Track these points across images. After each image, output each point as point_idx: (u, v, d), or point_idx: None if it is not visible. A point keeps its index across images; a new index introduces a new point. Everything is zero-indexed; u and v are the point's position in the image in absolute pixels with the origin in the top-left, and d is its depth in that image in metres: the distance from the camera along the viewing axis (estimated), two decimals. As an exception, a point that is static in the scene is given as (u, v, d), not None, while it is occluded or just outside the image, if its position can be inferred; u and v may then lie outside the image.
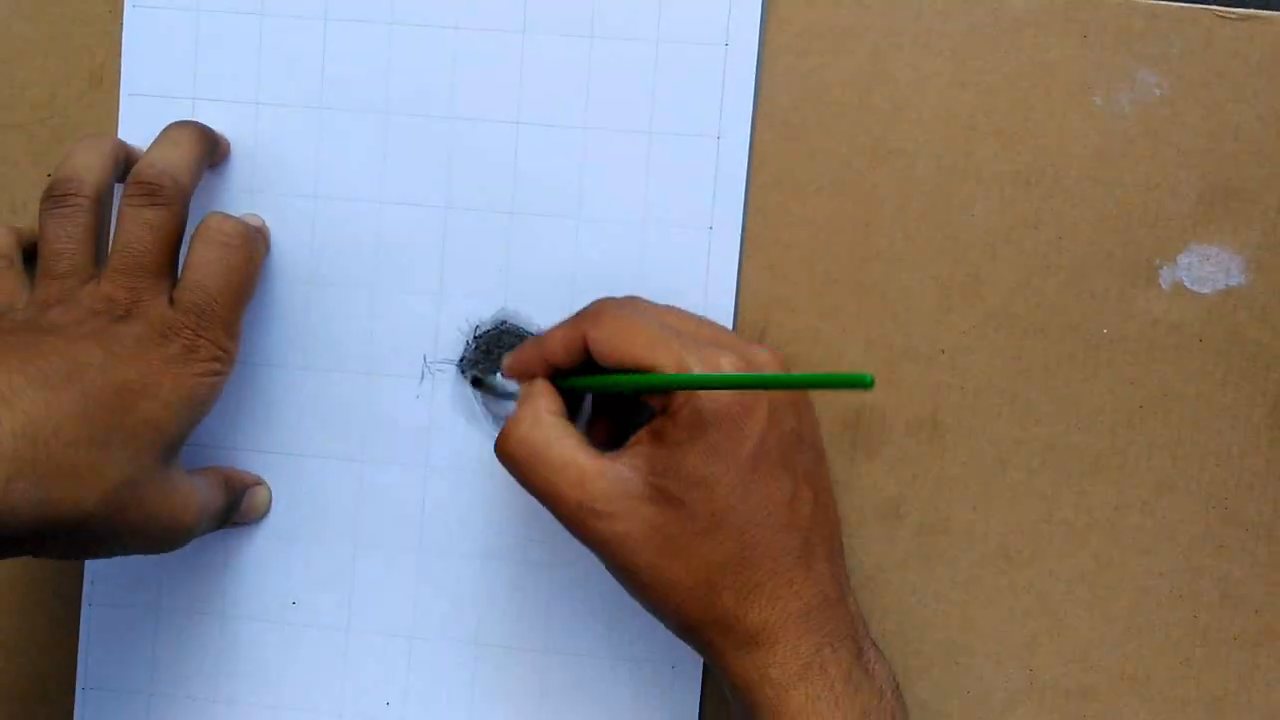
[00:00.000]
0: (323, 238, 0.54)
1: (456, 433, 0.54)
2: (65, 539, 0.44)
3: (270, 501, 0.55)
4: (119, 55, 0.54)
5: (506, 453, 0.48)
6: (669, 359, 0.45)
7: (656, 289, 0.52)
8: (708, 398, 0.45)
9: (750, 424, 0.45)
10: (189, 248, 0.49)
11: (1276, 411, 0.51)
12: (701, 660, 0.53)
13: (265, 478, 0.55)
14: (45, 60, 0.55)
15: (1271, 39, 0.50)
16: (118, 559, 0.54)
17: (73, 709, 0.55)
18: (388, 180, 0.53)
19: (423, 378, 0.54)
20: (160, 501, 0.47)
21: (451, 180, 0.53)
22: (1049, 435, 0.52)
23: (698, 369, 0.45)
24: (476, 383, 0.53)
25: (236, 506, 0.53)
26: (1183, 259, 0.51)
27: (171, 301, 0.48)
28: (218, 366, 0.48)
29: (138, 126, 0.54)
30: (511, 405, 0.53)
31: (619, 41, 0.52)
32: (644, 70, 0.52)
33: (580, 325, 0.48)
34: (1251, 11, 0.50)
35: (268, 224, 0.54)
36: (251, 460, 0.54)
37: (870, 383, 0.37)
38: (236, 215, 0.51)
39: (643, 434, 0.47)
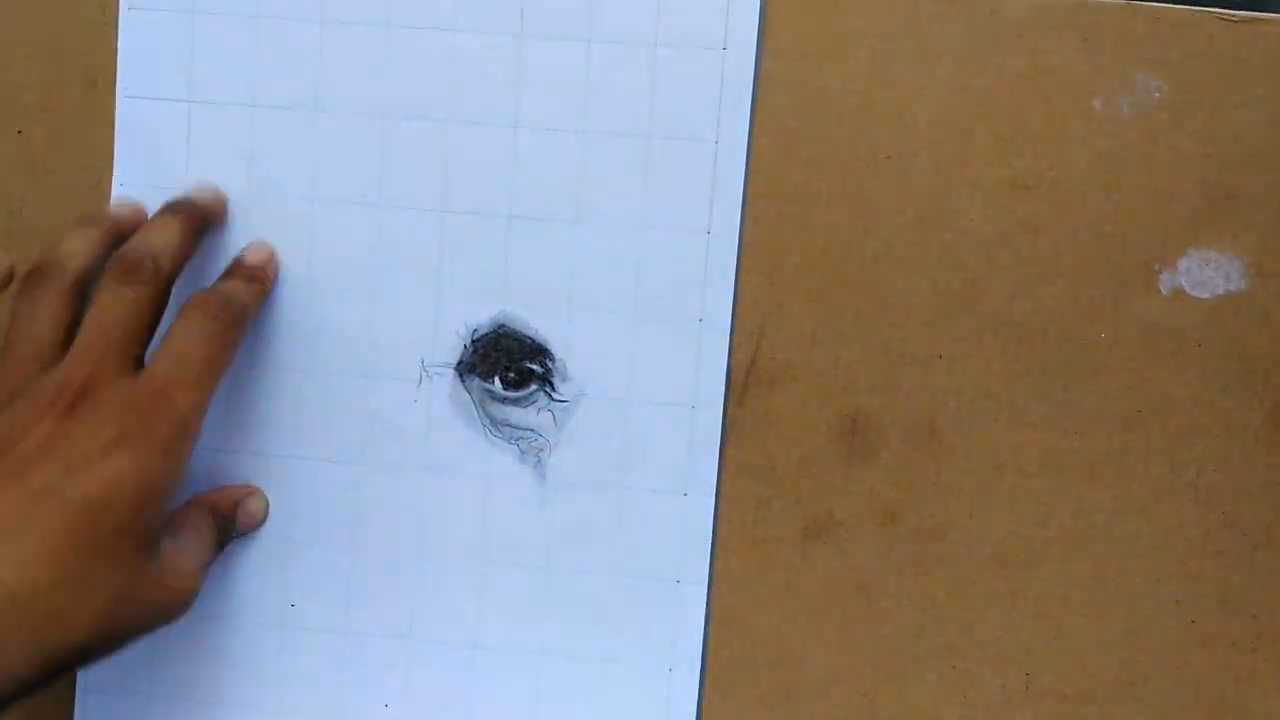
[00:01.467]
0: (320, 241, 0.54)
1: (454, 436, 0.54)
2: (74, 667, 0.44)
3: (267, 507, 0.54)
4: (114, 58, 0.54)
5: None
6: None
7: (653, 294, 0.52)
8: None
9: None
10: (170, 325, 0.48)
11: (1276, 417, 0.51)
12: (700, 663, 0.53)
13: (263, 481, 0.54)
14: (40, 63, 0.54)
15: (1273, 42, 0.50)
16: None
17: (72, 711, 0.56)
18: (385, 183, 0.53)
19: (420, 381, 0.54)
20: (156, 592, 0.46)
21: (449, 183, 0.53)
22: (1046, 440, 0.52)
23: None
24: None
25: (232, 525, 0.53)
26: (1182, 264, 0.51)
27: (137, 376, 0.46)
28: (176, 444, 0.46)
29: (133, 129, 0.54)
30: (508, 410, 0.53)
31: (617, 45, 0.52)
32: (642, 74, 0.52)
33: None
34: (1252, 15, 0.50)
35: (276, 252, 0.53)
36: (249, 463, 0.54)
37: None
38: (260, 244, 0.52)
39: None
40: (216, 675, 0.55)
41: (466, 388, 0.53)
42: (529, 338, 0.53)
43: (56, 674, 0.44)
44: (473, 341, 0.53)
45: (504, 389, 0.53)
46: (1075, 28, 0.50)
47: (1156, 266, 0.51)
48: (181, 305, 0.48)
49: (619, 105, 0.52)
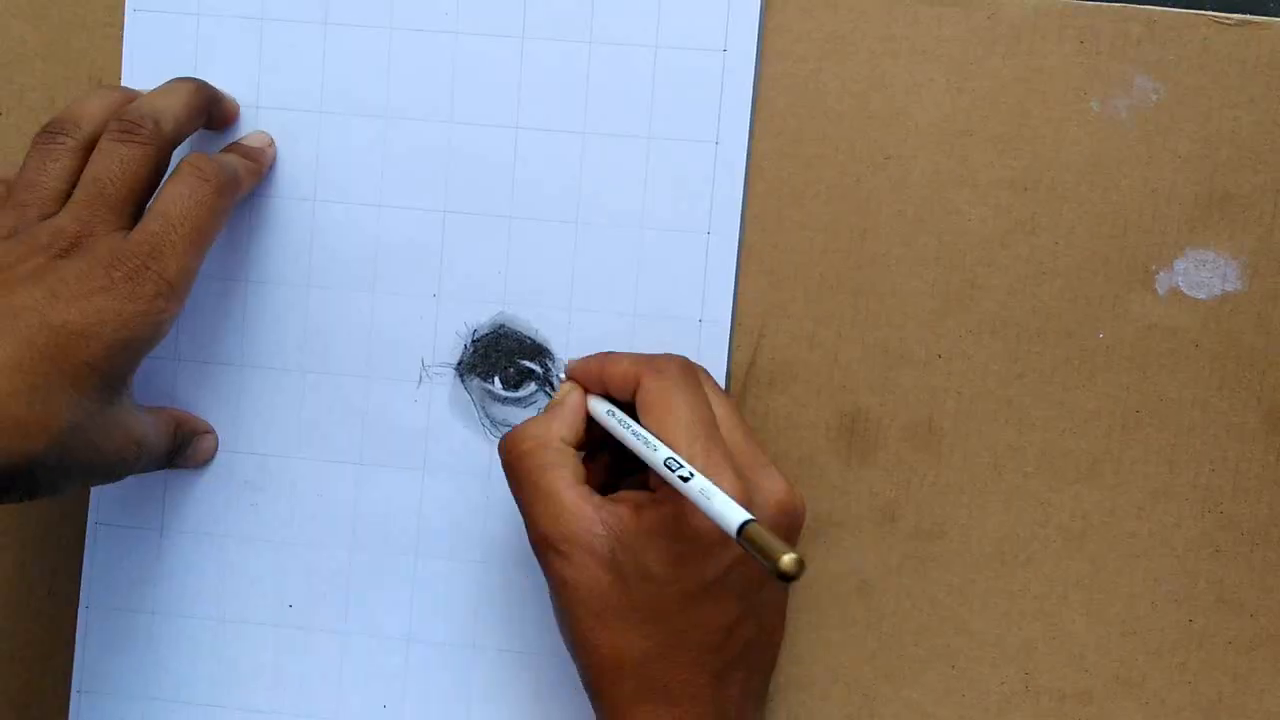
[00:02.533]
0: (322, 241, 0.54)
1: (454, 436, 0.54)
2: (15, 488, 0.45)
3: (216, 450, 0.55)
4: (119, 59, 0.54)
5: (507, 456, 0.48)
6: (680, 450, 0.45)
7: (654, 294, 0.52)
8: (693, 510, 0.44)
9: (723, 553, 0.45)
10: (162, 185, 0.49)
11: (1272, 417, 0.51)
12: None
13: (263, 480, 0.55)
14: (45, 64, 0.55)
15: (1268, 45, 0.51)
16: (112, 560, 0.55)
17: (68, 711, 0.55)
18: (387, 184, 0.54)
19: (420, 381, 0.54)
20: (105, 440, 0.47)
21: (450, 184, 0.53)
22: (1045, 440, 0.52)
23: (694, 479, 0.44)
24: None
25: (184, 450, 0.53)
26: (1179, 264, 0.51)
27: (128, 234, 0.47)
28: (161, 304, 0.46)
29: (137, 130, 0.54)
30: (508, 410, 0.53)
31: (618, 47, 0.52)
32: (642, 76, 0.52)
33: (642, 369, 0.48)
34: (1248, 17, 0.51)
35: (275, 143, 0.54)
36: (249, 462, 0.55)
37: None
38: (259, 133, 0.53)
39: (629, 496, 0.47)
40: (214, 676, 0.55)
41: (466, 388, 0.54)
42: (529, 338, 0.53)
43: (5, 486, 0.44)
44: (473, 341, 0.54)
45: (504, 389, 0.53)
46: (1073, 30, 0.51)
47: (1154, 267, 0.51)
48: (175, 166, 0.49)
49: (620, 106, 0.52)
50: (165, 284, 0.46)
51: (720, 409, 0.48)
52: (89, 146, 0.48)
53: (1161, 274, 0.51)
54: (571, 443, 0.48)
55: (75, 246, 0.46)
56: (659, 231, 0.53)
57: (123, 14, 0.54)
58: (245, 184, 0.51)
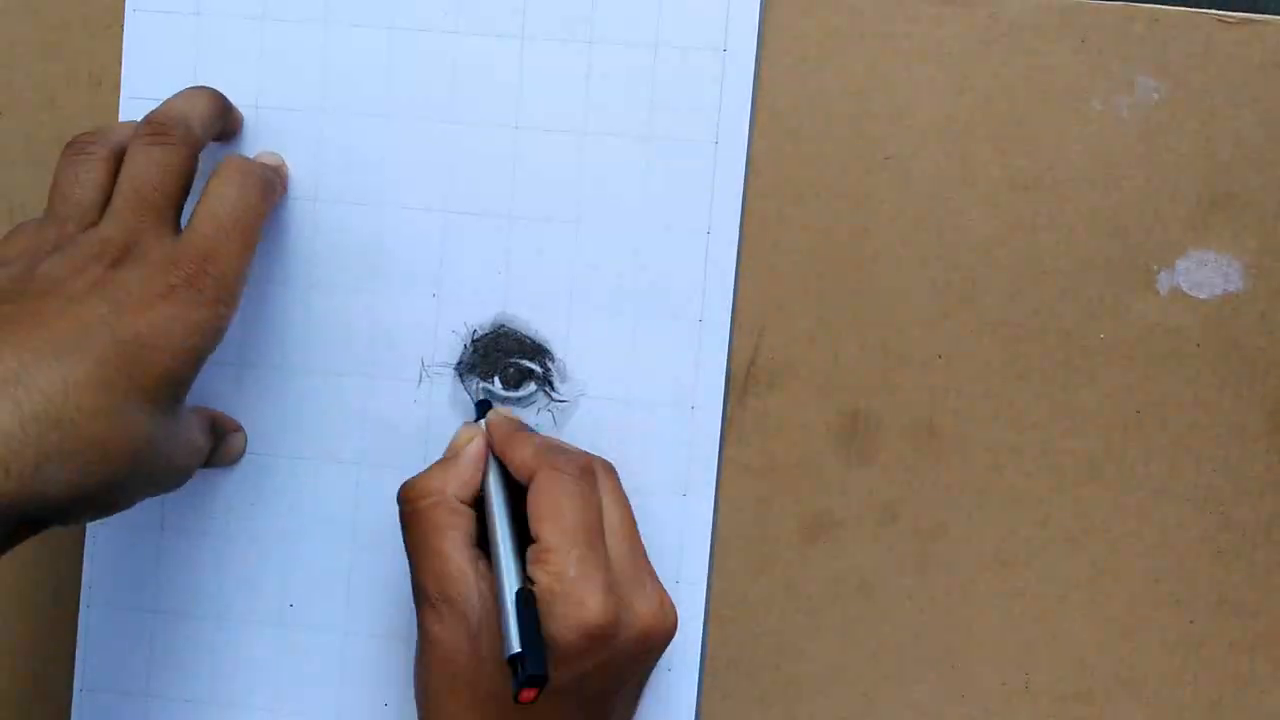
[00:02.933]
0: (322, 241, 0.54)
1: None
2: (96, 506, 0.44)
3: (245, 448, 0.55)
4: (119, 59, 0.54)
5: (404, 508, 0.49)
6: (555, 555, 0.45)
7: (653, 293, 0.52)
8: (554, 618, 0.44)
9: (578, 665, 0.45)
10: (204, 186, 0.48)
11: (1274, 417, 0.51)
12: (699, 663, 0.53)
13: (263, 480, 0.55)
14: (45, 63, 0.55)
15: (1271, 44, 0.50)
16: (113, 558, 0.55)
17: (70, 710, 0.56)
18: (387, 184, 0.54)
19: (420, 381, 0.54)
20: (174, 450, 0.46)
21: (450, 184, 0.53)
22: (1045, 440, 0.52)
23: (564, 585, 0.45)
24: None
25: (218, 449, 0.53)
26: (1181, 264, 0.51)
27: (178, 237, 0.46)
28: (222, 309, 0.46)
29: (137, 129, 0.54)
30: (509, 409, 0.53)
31: (618, 46, 0.52)
32: (642, 75, 0.52)
33: (541, 464, 0.48)
34: (1251, 16, 0.50)
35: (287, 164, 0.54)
36: (249, 462, 0.55)
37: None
38: (270, 153, 0.53)
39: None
40: (215, 675, 0.55)
41: (466, 388, 0.54)
42: (529, 338, 0.53)
43: (81, 511, 0.43)
44: (473, 341, 0.54)
45: (504, 389, 0.53)
46: (1074, 29, 0.51)
47: (1155, 267, 0.51)
48: (215, 167, 0.48)
49: (620, 106, 0.52)
50: (223, 286, 0.46)
51: (613, 516, 0.49)
52: (118, 156, 0.48)
53: (1163, 274, 0.51)
54: (467, 499, 0.49)
55: (126, 254, 0.45)
56: (659, 231, 0.52)
57: (122, 13, 0.54)
58: (277, 187, 0.51)
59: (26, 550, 0.55)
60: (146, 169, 0.46)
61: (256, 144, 0.54)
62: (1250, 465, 0.51)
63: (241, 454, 0.55)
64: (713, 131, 0.52)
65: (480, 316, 0.54)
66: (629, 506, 0.50)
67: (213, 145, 0.53)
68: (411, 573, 0.48)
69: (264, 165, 0.50)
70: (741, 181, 0.52)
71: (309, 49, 0.53)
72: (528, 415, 0.53)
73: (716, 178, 0.52)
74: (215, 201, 0.47)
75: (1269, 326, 0.51)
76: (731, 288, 0.52)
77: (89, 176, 0.47)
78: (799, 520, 0.53)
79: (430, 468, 0.50)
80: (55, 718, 0.56)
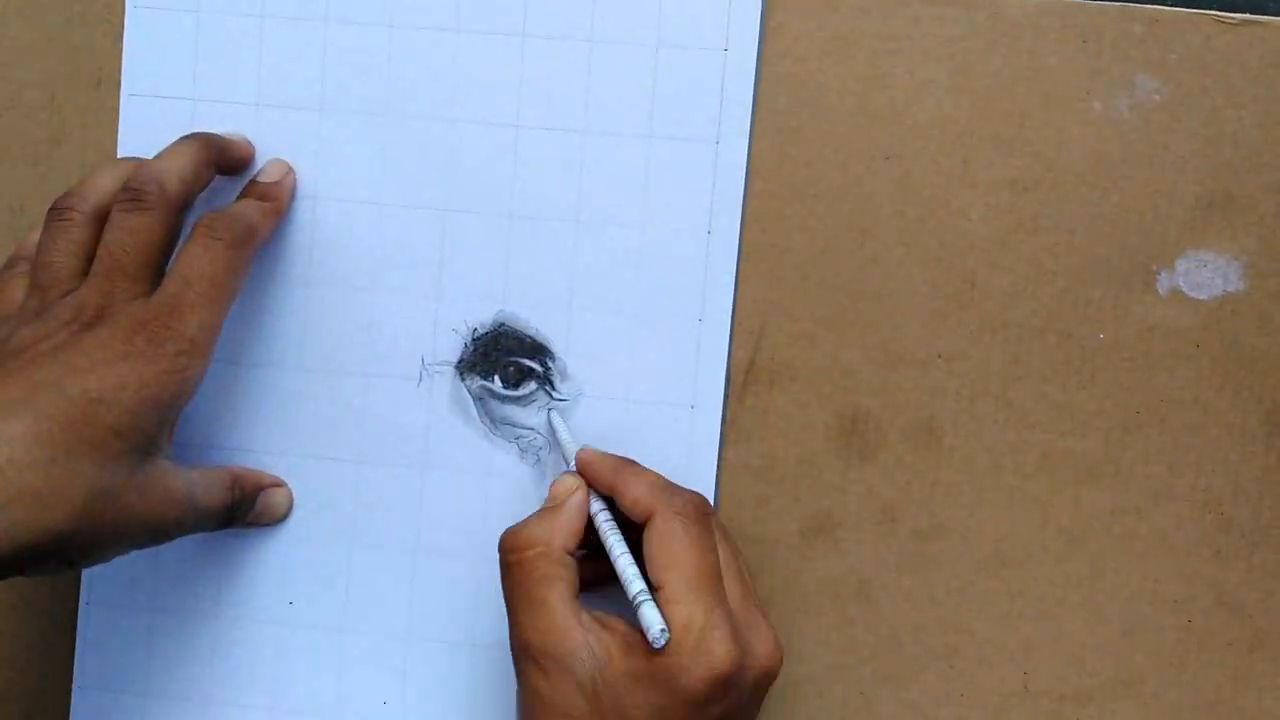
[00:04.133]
0: (322, 239, 0.54)
1: (454, 434, 0.54)
2: (48, 558, 0.44)
3: (291, 504, 0.55)
4: (119, 56, 0.54)
5: (508, 557, 0.48)
6: (681, 602, 0.45)
7: (654, 293, 0.52)
8: (682, 672, 0.45)
9: (707, 713, 0.45)
10: (182, 244, 0.49)
11: (1273, 418, 0.51)
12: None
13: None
14: (45, 61, 0.55)
15: (1271, 44, 0.50)
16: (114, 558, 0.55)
17: (68, 708, 0.56)
18: (387, 182, 0.54)
19: (421, 379, 0.54)
20: (139, 503, 0.46)
21: (451, 183, 0.53)
22: (1045, 441, 0.52)
23: (692, 637, 0.45)
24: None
25: (249, 507, 0.53)
26: (1180, 265, 0.51)
27: (148, 299, 0.47)
28: (184, 361, 0.47)
29: (138, 128, 0.54)
30: (508, 408, 0.53)
31: (618, 46, 0.52)
32: (643, 75, 0.52)
33: (658, 503, 0.47)
34: (1251, 17, 0.50)
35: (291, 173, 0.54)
36: (248, 460, 0.55)
37: None
38: (276, 162, 0.53)
39: (621, 627, 0.47)
40: (214, 673, 0.55)
41: (466, 386, 0.54)
42: (529, 336, 0.53)
43: (27, 561, 0.44)
44: (473, 340, 0.54)
45: (504, 387, 0.53)
46: (1074, 29, 0.51)
47: (1155, 267, 0.51)
48: (191, 227, 0.49)
49: (620, 106, 0.52)
50: (186, 341, 0.47)
51: (724, 555, 0.48)
52: (100, 218, 0.49)
53: (1163, 274, 0.51)
54: (572, 550, 0.48)
55: (99, 319, 0.47)
56: (659, 230, 0.53)
57: (123, 11, 0.54)
58: (263, 230, 0.52)
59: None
60: (120, 236, 0.48)
61: (257, 143, 0.54)
62: (1249, 466, 0.51)
63: (286, 513, 0.55)
64: (714, 131, 0.52)
65: (480, 315, 0.54)
66: (735, 545, 0.50)
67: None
68: (511, 625, 0.47)
69: (237, 217, 0.50)
70: (742, 181, 0.52)
71: (309, 48, 0.53)
72: (528, 414, 0.53)
73: (717, 177, 0.52)
74: (184, 263, 0.48)
75: (1268, 327, 0.51)
76: (732, 287, 0.52)
77: (67, 242, 0.49)
78: (798, 520, 0.53)
79: (533, 517, 0.49)
80: (54, 716, 0.56)
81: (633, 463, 0.50)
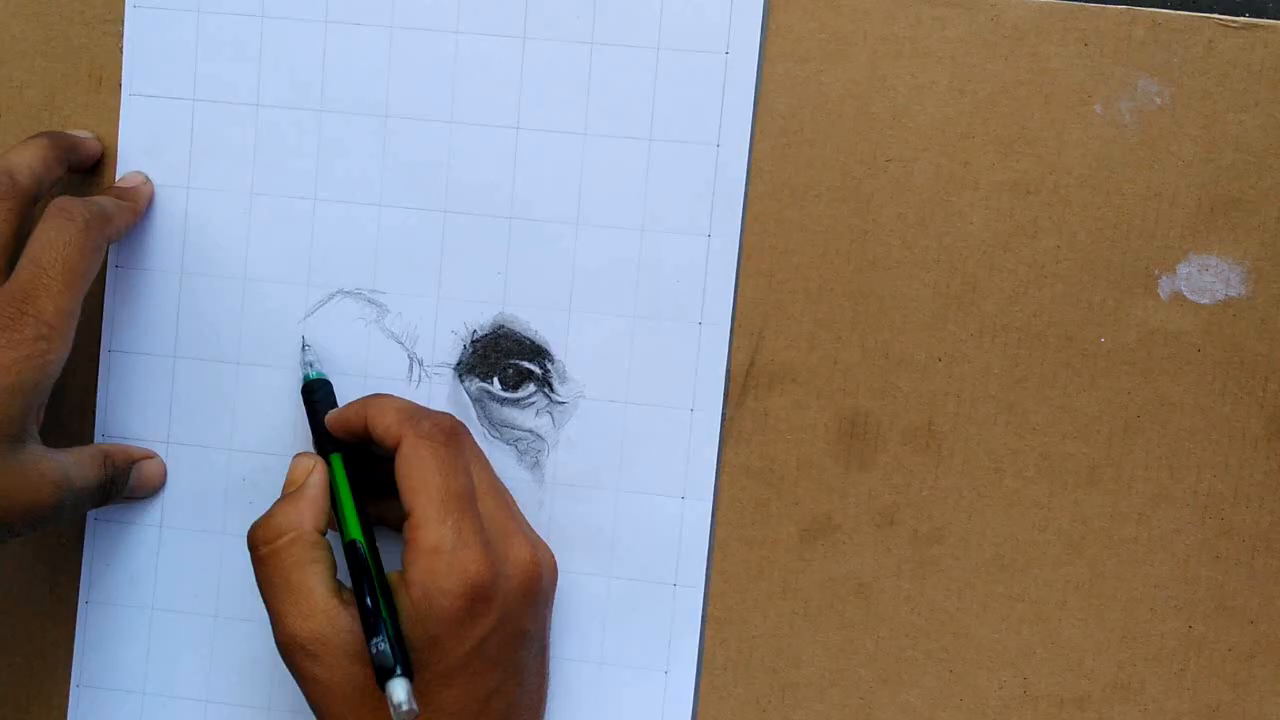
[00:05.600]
0: (320, 240, 0.54)
1: (453, 436, 0.54)
2: None
3: (164, 475, 0.55)
4: (119, 56, 0.54)
5: (260, 550, 0.48)
6: (431, 523, 0.46)
7: (654, 296, 0.52)
8: (439, 594, 0.46)
9: (475, 627, 0.46)
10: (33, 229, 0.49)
11: (1274, 423, 0.51)
12: (696, 665, 0.53)
13: (262, 479, 0.55)
14: (45, 61, 0.55)
15: (1274, 48, 0.50)
16: (112, 555, 0.55)
17: (67, 706, 0.56)
18: (387, 183, 0.53)
19: (420, 381, 0.54)
20: (13, 490, 0.47)
21: (450, 184, 0.53)
22: (1045, 444, 0.52)
23: (444, 557, 0.46)
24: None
25: (124, 481, 0.53)
26: (1182, 269, 0.51)
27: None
28: (43, 346, 0.47)
29: (138, 128, 0.54)
30: (507, 410, 0.53)
31: (619, 48, 0.52)
32: (644, 77, 0.52)
33: (404, 428, 0.48)
34: (1253, 20, 0.50)
35: (151, 183, 0.54)
36: (247, 461, 0.54)
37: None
38: (134, 174, 0.53)
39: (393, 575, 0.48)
40: (212, 671, 0.55)
41: (465, 388, 0.54)
42: (528, 339, 0.53)
43: None
44: (472, 342, 0.54)
45: (503, 390, 0.53)
46: (1076, 32, 0.51)
47: (1156, 271, 0.51)
48: (45, 211, 0.49)
49: (621, 107, 0.52)
50: (44, 325, 0.47)
51: (478, 474, 0.49)
52: None
53: (1164, 278, 0.51)
54: (323, 530, 0.49)
55: None
56: (659, 233, 0.52)
57: (123, 11, 0.54)
58: (118, 221, 0.52)
59: (26, 546, 0.55)
60: None
61: (257, 143, 0.54)
62: (1250, 470, 0.51)
63: (160, 484, 0.55)
64: (714, 133, 0.52)
65: (480, 317, 0.53)
66: (488, 462, 0.51)
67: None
68: (274, 620, 0.48)
69: (91, 201, 0.50)
70: (743, 184, 0.52)
71: (309, 48, 0.53)
72: (527, 416, 0.53)
73: (717, 180, 0.52)
74: (37, 246, 0.48)
75: (1270, 332, 0.51)
76: (731, 290, 0.52)
77: None
78: (797, 523, 0.53)
79: (277, 504, 0.49)
80: (52, 713, 0.56)
81: (379, 396, 0.51)
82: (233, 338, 0.54)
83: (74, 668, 0.56)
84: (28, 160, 0.50)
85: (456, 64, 0.53)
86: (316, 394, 0.52)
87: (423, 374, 0.54)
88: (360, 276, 0.54)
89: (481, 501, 0.48)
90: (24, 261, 0.48)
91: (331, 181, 0.54)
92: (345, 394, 0.53)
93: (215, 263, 0.54)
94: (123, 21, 0.54)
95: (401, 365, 0.54)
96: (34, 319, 0.47)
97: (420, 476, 0.47)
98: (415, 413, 0.49)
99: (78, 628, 0.56)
